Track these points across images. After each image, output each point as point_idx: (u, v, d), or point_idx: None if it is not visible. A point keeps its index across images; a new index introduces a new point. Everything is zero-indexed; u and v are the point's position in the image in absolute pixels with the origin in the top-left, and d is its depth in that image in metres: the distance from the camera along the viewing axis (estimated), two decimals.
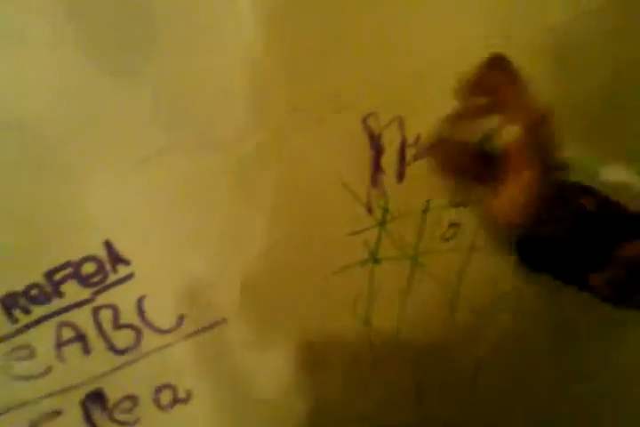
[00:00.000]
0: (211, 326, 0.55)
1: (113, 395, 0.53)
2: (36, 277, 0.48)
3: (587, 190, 0.49)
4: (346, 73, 0.53)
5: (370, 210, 0.60)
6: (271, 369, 0.59)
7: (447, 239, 0.65)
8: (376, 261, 0.62)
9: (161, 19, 0.45)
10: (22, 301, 0.48)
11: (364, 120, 0.55)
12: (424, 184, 0.60)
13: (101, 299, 0.50)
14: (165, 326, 0.53)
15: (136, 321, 0.52)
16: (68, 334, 0.50)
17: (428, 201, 0.62)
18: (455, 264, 0.67)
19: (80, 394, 0.52)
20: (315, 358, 0.60)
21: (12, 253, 0.47)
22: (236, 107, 0.50)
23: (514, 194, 0.47)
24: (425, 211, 0.63)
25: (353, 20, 0.51)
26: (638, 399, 0.78)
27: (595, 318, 0.68)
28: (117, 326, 0.51)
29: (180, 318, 0.53)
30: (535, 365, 0.72)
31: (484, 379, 0.70)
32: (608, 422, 0.78)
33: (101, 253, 0.49)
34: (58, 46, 0.43)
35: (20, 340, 0.48)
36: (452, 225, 0.65)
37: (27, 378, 0.49)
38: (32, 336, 0.49)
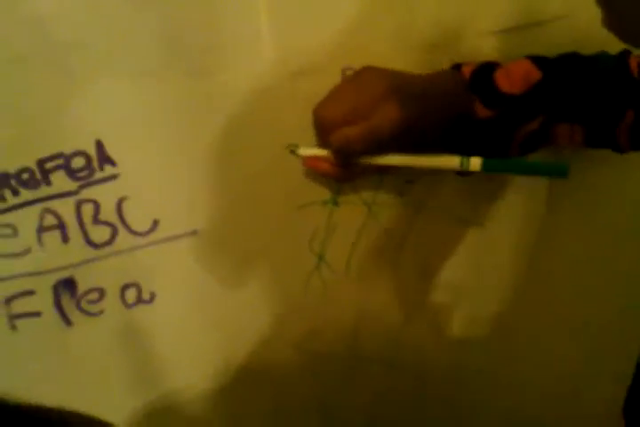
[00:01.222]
0: (181, 236, 0.55)
1: (83, 285, 0.53)
2: (29, 162, 0.48)
3: None
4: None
5: None
6: (231, 287, 0.59)
7: (402, 195, 0.66)
8: (336, 203, 0.62)
9: None
10: (13, 182, 0.47)
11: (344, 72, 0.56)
12: None
13: (85, 193, 0.50)
14: (140, 229, 0.53)
15: (114, 220, 0.52)
16: (50, 221, 0.50)
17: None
18: (404, 219, 0.67)
19: (53, 279, 0.51)
20: (272, 280, 0.61)
21: (11, 138, 0.47)
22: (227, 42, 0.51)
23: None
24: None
25: None
26: None
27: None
28: (96, 221, 0.51)
29: (155, 223, 0.53)
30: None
31: (417, 322, 0.70)
32: None
33: (91, 150, 0.49)
34: None
35: (4, 218, 0.48)
36: (408, 182, 0.65)
37: (6, 256, 0.49)
38: (17, 217, 0.48)
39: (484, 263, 0.70)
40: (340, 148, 0.53)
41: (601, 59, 0.57)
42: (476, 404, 0.75)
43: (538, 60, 0.57)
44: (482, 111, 0.56)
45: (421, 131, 0.53)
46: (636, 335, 0.75)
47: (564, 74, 0.56)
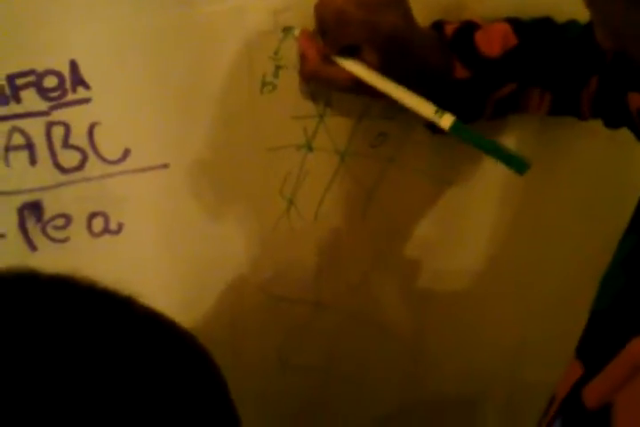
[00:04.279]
0: (152, 168, 0.52)
1: (49, 210, 0.49)
2: None
3: None
4: None
5: (314, 100, 0.58)
6: (199, 224, 0.57)
7: (374, 146, 0.63)
8: (310, 148, 0.60)
9: None
10: None
11: None
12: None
13: (56, 115, 0.47)
14: (111, 157, 0.50)
15: (85, 145, 0.48)
16: (18, 140, 0.46)
17: (366, 106, 0.60)
18: (375, 171, 0.65)
19: (19, 200, 0.48)
20: (241, 220, 0.58)
21: None
22: None
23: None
24: (361, 115, 0.61)
25: None
26: None
27: None
28: (66, 145, 0.48)
29: (126, 152, 0.50)
30: None
31: (376, 275, 0.68)
32: None
33: (65, 70, 0.46)
34: None
35: None
36: (381, 134, 0.63)
37: None
38: None
39: (452, 220, 0.68)
40: (334, 13, 0.48)
41: (571, 27, 0.56)
42: (434, 358, 0.74)
43: (515, 25, 0.56)
44: (460, 71, 0.54)
45: (400, 77, 0.51)
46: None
47: (538, 41, 0.55)
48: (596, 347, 0.39)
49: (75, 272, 0.31)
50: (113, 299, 0.30)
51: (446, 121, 0.51)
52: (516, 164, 0.50)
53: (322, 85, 0.54)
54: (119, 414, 0.26)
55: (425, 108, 0.50)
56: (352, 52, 0.50)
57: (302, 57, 0.52)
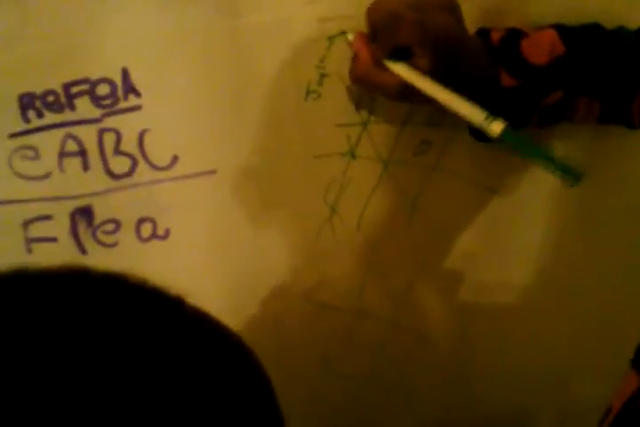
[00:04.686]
0: (200, 174, 0.53)
1: (100, 215, 0.50)
2: (55, 85, 0.45)
3: None
4: None
5: (358, 108, 0.58)
6: (245, 231, 0.57)
7: (417, 154, 0.63)
8: (353, 156, 0.60)
9: None
10: (38, 103, 0.45)
11: None
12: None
13: (108, 122, 0.48)
14: (160, 164, 0.51)
15: (135, 151, 0.50)
16: (71, 147, 0.48)
17: (409, 114, 0.60)
18: (418, 179, 0.65)
19: (71, 206, 0.49)
20: (285, 227, 0.59)
21: (39, 59, 0.45)
22: None
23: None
24: (404, 123, 0.61)
25: None
26: None
27: None
28: (117, 151, 0.49)
29: (175, 159, 0.51)
30: None
31: (419, 285, 0.68)
32: None
33: (117, 78, 0.47)
34: None
35: (28, 140, 0.46)
36: (424, 142, 0.63)
37: (27, 178, 0.47)
38: (40, 140, 0.46)
39: (497, 231, 0.67)
40: (387, 14, 0.48)
41: (621, 34, 0.55)
42: (476, 369, 0.72)
43: (562, 32, 0.55)
44: (506, 80, 0.54)
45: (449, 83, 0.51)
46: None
47: (587, 49, 0.54)
48: None
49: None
50: (163, 297, 0.30)
51: (497, 127, 0.50)
52: (569, 174, 0.49)
53: (369, 90, 0.54)
54: (164, 411, 0.26)
55: (475, 113, 0.50)
56: (403, 56, 0.50)
57: (354, 59, 0.51)
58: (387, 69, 0.50)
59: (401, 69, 0.49)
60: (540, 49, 0.54)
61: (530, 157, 0.51)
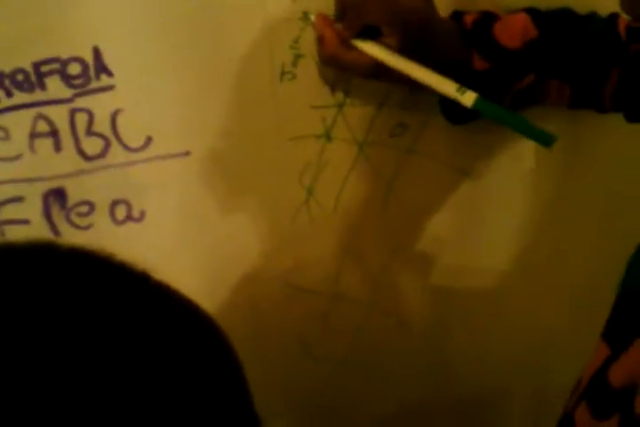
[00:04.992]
0: (174, 156, 0.52)
1: (73, 197, 0.50)
2: (24, 63, 0.45)
3: None
4: None
5: (333, 90, 0.58)
6: (221, 213, 0.57)
7: (393, 136, 0.63)
8: (329, 138, 0.60)
9: None
10: (7, 82, 0.45)
11: None
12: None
13: (80, 102, 0.47)
14: (133, 145, 0.50)
15: (108, 132, 0.49)
16: (42, 127, 0.47)
17: (385, 96, 0.60)
18: (394, 161, 0.65)
19: (44, 187, 0.49)
20: (261, 210, 0.58)
21: (7, 37, 0.44)
22: None
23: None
24: (381, 105, 0.61)
25: None
26: None
27: None
28: (90, 132, 0.49)
29: (148, 140, 0.51)
30: None
31: (396, 268, 0.68)
32: None
33: (89, 57, 0.46)
34: None
35: None
36: (400, 125, 0.63)
37: None
38: (9, 120, 0.46)
39: (472, 211, 0.68)
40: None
41: (593, 20, 0.56)
42: (452, 351, 0.73)
43: (535, 16, 0.55)
44: (478, 63, 0.54)
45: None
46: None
47: (559, 34, 0.55)
48: (623, 327, 0.39)
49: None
50: (128, 272, 0.30)
51: (469, 97, 0.50)
52: (543, 137, 0.50)
53: (341, 71, 0.54)
54: (127, 388, 0.26)
55: (447, 85, 0.50)
56: (371, 35, 0.50)
57: (319, 41, 0.52)
58: (355, 49, 0.50)
59: (369, 48, 0.49)
60: (513, 32, 0.54)
61: (504, 123, 0.51)
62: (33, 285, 0.27)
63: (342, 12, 0.49)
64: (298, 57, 0.54)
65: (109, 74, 0.47)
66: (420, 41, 0.50)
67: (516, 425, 0.77)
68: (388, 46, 0.50)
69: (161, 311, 0.29)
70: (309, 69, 0.56)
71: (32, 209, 0.49)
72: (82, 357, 0.26)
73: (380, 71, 0.51)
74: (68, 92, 0.47)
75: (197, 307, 0.31)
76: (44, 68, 0.45)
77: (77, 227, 0.51)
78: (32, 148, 0.47)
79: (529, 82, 0.55)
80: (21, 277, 0.27)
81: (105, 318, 0.27)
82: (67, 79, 0.46)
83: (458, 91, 0.50)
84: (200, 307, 0.31)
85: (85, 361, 0.25)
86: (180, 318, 0.30)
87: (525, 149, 0.65)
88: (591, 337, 0.44)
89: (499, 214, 0.68)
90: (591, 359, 0.41)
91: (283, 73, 0.55)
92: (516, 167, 0.66)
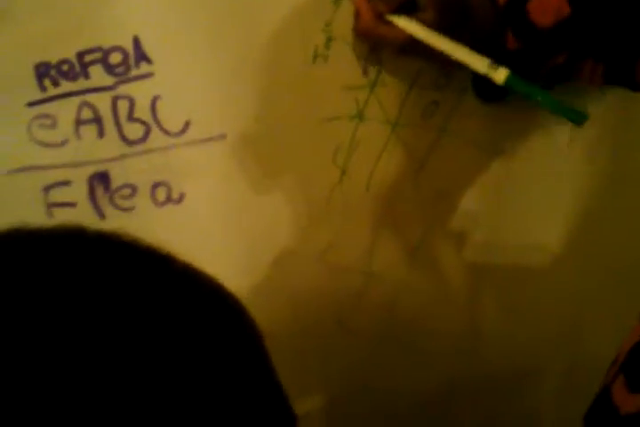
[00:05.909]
0: (211, 139, 0.54)
1: (116, 180, 0.52)
2: (69, 54, 0.47)
3: None
4: None
5: (365, 71, 0.59)
6: (257, 194, 0.59)
7: (425, 116, 0.65)
8: (361, 118, 0.61)
9: None
10: (53, 72, 0.47)
11: None
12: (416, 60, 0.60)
13: (122, 89, 0.50)
14: (172, 129, 0.53)
15: (148, 118, 0.51)
16: (87, 114, 0.49)
17: (416, 76, 0.61)
18: (426, 141, 0.66)
19: (89, 171, 0.51)
20: (296, 190, 0.60)
21: (52, 30, 0.46)
22: None
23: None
24: (412, 85, 0.62)
25: None
26: None
27: None
28: (131, 118, 0.51)
29: (187, 124, 0.53)
30: None
31: (429, 246, 0.70)
32: None
33: (129, 46, 0.48)
34: None
35: (45, 109, 0.48)
36: (432, 104, 0.64)
37: (45, 145, 0.49)
38: (57, 108, 0.48)
39: (505, 190, 0.69)
40: None
41: None
42: (491, 329, 0.74)
43: None
44: (511, 42, 0.55)
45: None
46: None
47: (592, 10, 0.55)
48: None
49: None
50: (153, 254, 0.30)
51: (501, 73, 0.51)
52: (575, 115, 0.50)
53: (374, 44, 0.55)
54: (148, 369, 0.26)
55: (479, 61, 0.51)
56: (407, 9, 0.51)
57: (356, 14, 0.53)
58: (390, 23, 0.51)
59: (405, 23, 0.50)
60: (546, 10, 0.54)
61: (536, 100, 0.52)
62: (58, 270, 0.28)
63: None
64: (330, 40, 0.56)
65: (149, 62, 0.49)
66: (456, 16, 0.51)
67: (549, 401, 0.78)
68: (423, 21, 0.50)
69: (184, 295, 0.30)
70: (341, 51, 0.57)
71: (78, 192, 0.51)
72: (101, 341, 0.26)
73: (413, 47, 0.52)
74: (110, 80, 0.49)
75: (223, 290, 0.31)
76: (88, 58, 0.47)
77: (121, 209, 0.54)
78: (77, 134, 0.50)
79: (562, 60, 0.55)
80: (47, 262, 0.28)
81: (127, 303, 0.28)
82: (109, 68, 0.48)
83: (490, 67, 0.50)
84: (225, 289, 0.31)
85: (104, 346, 0.26)
86: (203, 303, 0.30)
87: (558, 127, 0.66)
88: (626, 313, 0.45)
89: (530, 192, 0.69)
90: (628, 337, 0.42)
91: (315, 56, 0.56)
92: (547, 145, 0.67)
